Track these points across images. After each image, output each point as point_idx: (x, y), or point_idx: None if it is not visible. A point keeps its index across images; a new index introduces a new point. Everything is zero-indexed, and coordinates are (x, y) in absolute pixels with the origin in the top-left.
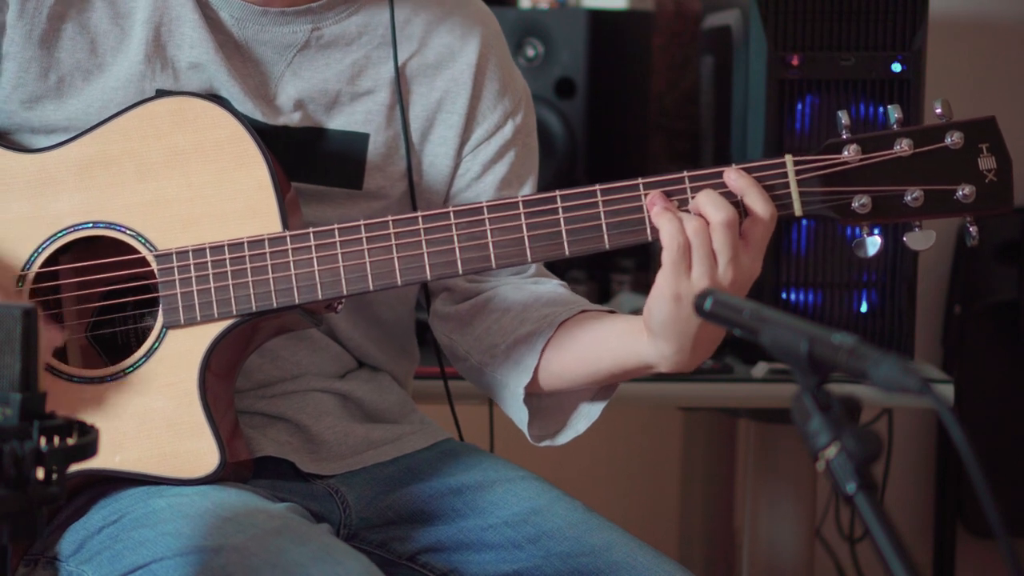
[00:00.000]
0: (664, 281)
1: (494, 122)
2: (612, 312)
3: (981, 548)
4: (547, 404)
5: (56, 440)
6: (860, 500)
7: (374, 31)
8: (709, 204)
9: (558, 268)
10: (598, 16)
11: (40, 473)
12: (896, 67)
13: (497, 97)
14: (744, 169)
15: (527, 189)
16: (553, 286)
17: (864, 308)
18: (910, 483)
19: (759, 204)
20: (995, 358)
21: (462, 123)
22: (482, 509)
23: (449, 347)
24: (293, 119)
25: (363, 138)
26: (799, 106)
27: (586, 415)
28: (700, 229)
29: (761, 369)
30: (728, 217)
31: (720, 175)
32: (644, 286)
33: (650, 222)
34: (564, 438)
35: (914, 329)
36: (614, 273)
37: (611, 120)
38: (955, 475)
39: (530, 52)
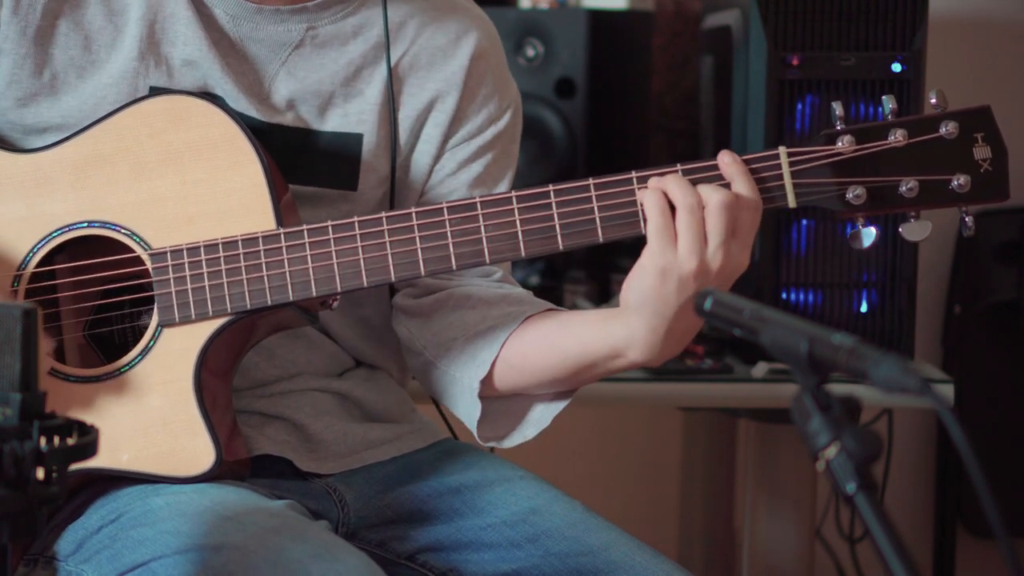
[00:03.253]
0: (649, 254)
1: (477, 124)
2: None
3: (981, 548)
4: (496, 407)
5: (56, 440)
6: (860, 500)
7: (369, 32)
8: (706, 187)
9: (559, 266)
10: (598, 16)
11: (40, 473)
12: (896, 67)
13: (484, 100)
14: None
15: (501, 188)
16: (521, 290)
17: (864, 308)
18: (910, 483)
19: (745, 189)
20: (995, 358)
21: (448, 121)
22: (481, 508)
23: (407, 340)
24: (287, 119)
25: (357, 138)
26: (799, 106)
27: (536, 421)
28: (694, 206)
29: (761, 369)
30: (725, 199)
31: (713, 168)
32: None
33: (643, 214)
34: (511, 442)
35: (914, 329)
36: (614, 273)
37: (611, 120)
38: (955, 475)
39: (530, 52)
